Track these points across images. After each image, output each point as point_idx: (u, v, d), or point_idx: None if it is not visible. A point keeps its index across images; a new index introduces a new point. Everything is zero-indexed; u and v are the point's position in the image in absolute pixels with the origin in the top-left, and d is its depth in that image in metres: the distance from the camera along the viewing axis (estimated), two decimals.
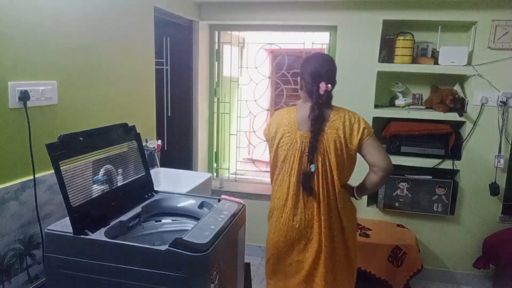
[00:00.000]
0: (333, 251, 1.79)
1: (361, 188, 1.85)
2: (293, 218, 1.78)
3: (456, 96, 2.74)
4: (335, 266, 1.80)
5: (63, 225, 1.40)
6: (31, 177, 1.56)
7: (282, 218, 1.81)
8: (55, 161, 1.32)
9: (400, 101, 2.90)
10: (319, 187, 1.75)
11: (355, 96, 2.87)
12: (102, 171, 1.62)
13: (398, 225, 2.90)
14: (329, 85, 1.72)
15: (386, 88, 2.96)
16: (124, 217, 1.53)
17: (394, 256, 2.58)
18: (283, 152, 1.79)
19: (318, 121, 1.72)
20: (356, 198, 1.89)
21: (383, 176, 1.73)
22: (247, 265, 2.11)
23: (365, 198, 2.97)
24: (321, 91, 1.71)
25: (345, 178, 1.82)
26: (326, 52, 3.11)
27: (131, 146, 1.74)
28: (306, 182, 1.74)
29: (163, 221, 1.73)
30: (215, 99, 3.38)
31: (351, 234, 1.83)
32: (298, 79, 1.87)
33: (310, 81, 1.75)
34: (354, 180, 1.87)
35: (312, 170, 1.72)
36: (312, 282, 1.80)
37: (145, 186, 1.77)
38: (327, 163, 1.74)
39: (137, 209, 1.62)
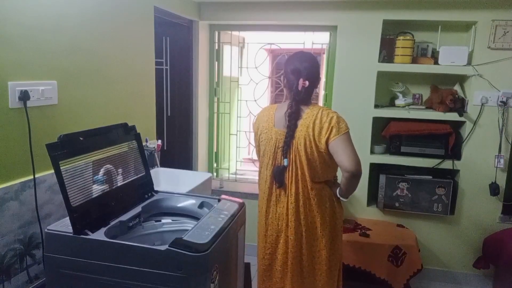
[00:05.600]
0: (300, 245, 1.85)
1: (340, 188, 1.85)
2: (266, 210, 1.89)
3: (456, 96, 2.74)
4: (302, 259, 1.86)
5: (63, 225, 1.40)
6: (31, 177, 1.56)
7: (261, 210, 1.92)
8: (55, 161, 1.32)
9: (400, 101, 2.90)
10: (290, 182, 1.81)
11: (355, 96, 2.87)
12: (102, 171, 1.62)
13: (398, 225, 2.90)
14: (306, 82, 1.77)
15: (386, 88, 2.96)
16: (124, 217, 1.53)
17: (394, 256, 2.58)
18: (262, 148, 1.89)
19: (293, 118, 1.77)
20: (339, 198, 1.89)
21: (348, 177, 1.71)
22: (247, 265, 2.11)
23: (364, 198, 2.97)
24: (299, 87, 1.77)
25: (321, 176, 1.82)
26: (326, 52, 3.11)
27: (131, 146, 1.74)
28: (277, 175, 1.82)
29: (163, 221, 1.73)
30: (215, 99, 3.38)
31: (329, 232, 1.85)
32: (282, 77, 1.96)
33: (291, 78, 1.81)
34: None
35: (285, 164, 1.79)
36: (286, 273, 1.88)
37: (145, 186, 1.77)
38: (299, 160, 1.78)
39: (137, 209, 1.62)
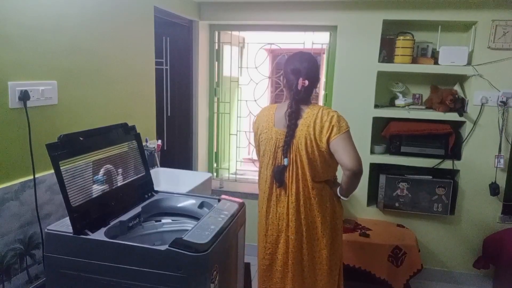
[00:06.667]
0: (301, 245, 1.85)
1: (341, 187, 1.85)
2: (266, 210, 1.89)
3: (456, 96, 2.74)
4: (303, 259, 1.87)
5: (63, 225, 1.40)
6: (31, 177, 1.56)
7: (262, 210, 1.92)
8: (55, 161, 1.32)
9: (400, 101, 2.90)
10: (291, 181, 1.81)
11: (355, 96, 2.87)
12: (102, 171, 1.62)
13: (398, 225, 2.90)
14: (306, 81, 1.77)
15: (386, 88, 2.96)
16: (124, 217, 1.53)
17: (394, 256, 2.58)
18: (262, 147, 1.88)
19: (293, 117, 1.77)
20: (339, 197, 1.89)
21: (350, 175, 1.72)
22: (247, 265, 2.12)
23: (365, 198, 2.97)
24: (299, 87, 1.77)
25: (322, 175, 1.82)
26: (326, 52, 3.11)
27: (131, 146, 1.74)
28: (277, 175, 1.82)
29: (163, 221, 1.73)
30: (215, 99, 3.38)
31: (329, 232, 1.85)
32: (281, 78, 1.96)
33: (290, 78, 1.82)
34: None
35: (285, 163, 1.79)
36: (287, 273, 1.87)
37: (145, 186, 1.77)
38: (299, 159, 1.78)
39: (137, 209, 1.62)
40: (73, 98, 1.78)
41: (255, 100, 3.37)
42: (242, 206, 1.70)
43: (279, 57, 3.54)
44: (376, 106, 2.89)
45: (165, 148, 3.04)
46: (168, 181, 2.35)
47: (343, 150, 1.70)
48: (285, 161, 1.79)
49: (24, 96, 1.50)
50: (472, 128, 2.74)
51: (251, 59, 3.37)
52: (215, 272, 1.35)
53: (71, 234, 1.34)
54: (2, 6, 1.41)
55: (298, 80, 1.77)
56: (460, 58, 2.67)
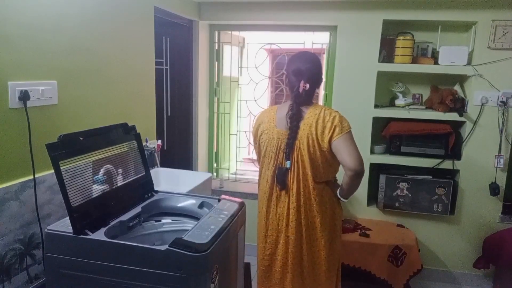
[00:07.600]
0: (300, 245, 1.85)
1: (341, 188, 1.85)
2: (267, 210, 1.89)
3: (456, 96, 2.74)
4: (302, 259, 1.86)
5: (63, 225, 1.40)
6: (31, 177, 1.56)
7: (262, 210, 1.91)
8: (55, 161, 1.32)
9: (400, 101, 2.90)
10: (292, 182, 1.80)
11: (355, 96, 2.87)
12: (102, 171, 1.62)
13: (398, 225, 2.90)
14: (307, 85, 1.77)
15: (386, 88, 2.96)
16: (124, 217, 1.53)
17: (394, 256, 2.58)
18: (263, 148, 1.88)
19: (294, 119, 1.77)
20: (339, 198, 1.89)
21: (351, 176, 1.72)
22: (247, 265, 2.12)
23: (365, 198, 2.97)
24: (300, 90, 1.77)
25: (323, 175, 1.82)
26: (326, 52, 3.11)
27: (131, 146, 1.74)
28: (279, 177, 1.82)
29: (163, 221, 1.73)
30: (215, 99, 3.38)
31: (328, 232, 1.85)
32: (284, 77, 1.96)
33: (292, 80, 1.81)
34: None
35: (287, 166, 1.79)
36: (286, 274, 1.87)
37: (145, 186, 1.77)
38: (301, 159, 1.78)
39: (137, 209, 1.62)
40: (73, 98, 1.78)
41: (255, 100, 3.37)
42: (242, 206, 1.70)
43: (279, 57, 3.54)
44: (376, 106, 2.89)
45: (165, 148, 3.04)
46: (168, 181, 2.35)
47: (345, 150, 1.70)
48: (288, 164, 1.79)
49: (24, 96, 1.50)
50: (472, 128, 2.74)
51: (251, 59, 3.37)
52: (215, 272, 1.35)
53: (71, 234, 1.34)
54: (2, 6, 1.41)
55: (299, 83, 1.77)
56: (460, 58, 2.67)
